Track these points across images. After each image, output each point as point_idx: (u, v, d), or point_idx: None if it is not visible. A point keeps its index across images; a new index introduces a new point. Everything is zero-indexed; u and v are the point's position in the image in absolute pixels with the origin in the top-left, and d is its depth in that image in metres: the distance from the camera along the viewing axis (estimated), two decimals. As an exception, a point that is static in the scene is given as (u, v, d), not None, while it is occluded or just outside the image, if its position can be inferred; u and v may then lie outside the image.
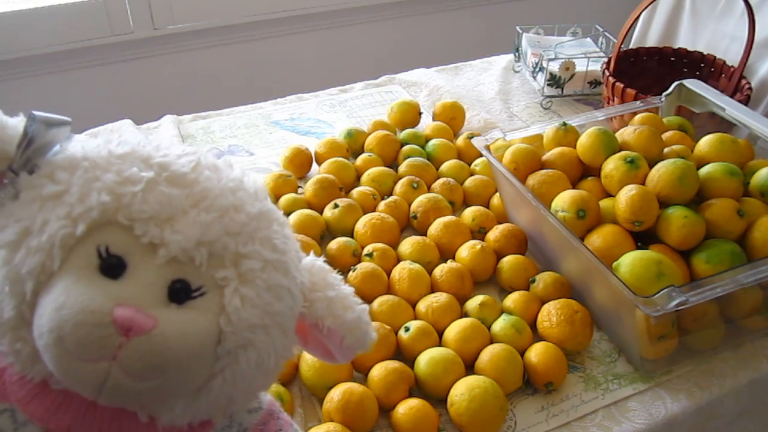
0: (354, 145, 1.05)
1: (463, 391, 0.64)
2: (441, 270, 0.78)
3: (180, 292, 0.39)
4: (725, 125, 0.92)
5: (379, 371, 0.66)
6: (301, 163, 1.00)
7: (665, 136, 0.87)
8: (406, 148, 1.02)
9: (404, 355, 0.71)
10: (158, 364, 0.37)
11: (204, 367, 0.40)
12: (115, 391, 0.38)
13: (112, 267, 0.38)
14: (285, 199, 0.91)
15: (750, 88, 1.06)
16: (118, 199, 0.39)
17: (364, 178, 0.96)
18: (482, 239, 0.85)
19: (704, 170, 0.77)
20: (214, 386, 0.41)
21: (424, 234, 0.87)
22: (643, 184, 0.75)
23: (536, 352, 0.69)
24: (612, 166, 0.77)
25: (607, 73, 1.11)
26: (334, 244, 0.83)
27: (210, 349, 0.40)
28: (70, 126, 0.41)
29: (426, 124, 1.12)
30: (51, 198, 0.39)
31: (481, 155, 0.95)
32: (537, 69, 1.26)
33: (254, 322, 0.41)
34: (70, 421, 0.41)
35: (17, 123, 0.40)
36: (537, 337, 0.73)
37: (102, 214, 0.38)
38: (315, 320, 0.47)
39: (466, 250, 0.81)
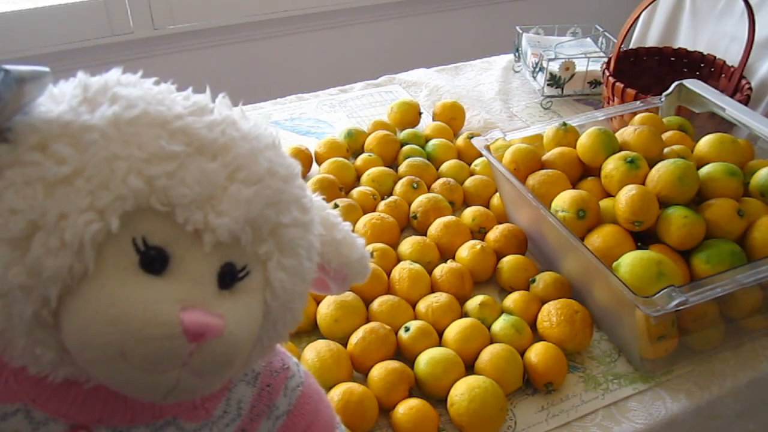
0: (354, 145, 1.05)
1: (463, 391, 0.64)
2: (441, 270, 0.78)
3: (227, 276, 0.36)
4: (725, 125, 0.92)
5: (379, 371, 0.66)
6: (301, 163, 1.00)
7: (665, 136, 0.87)
8: (406, 148, 1.02)
9: (404, 355, 0.71)
10: (229, 362, 0.35)
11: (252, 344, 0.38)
12: (182, 393, 0.35)
13: (153, 260, 0.33)
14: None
15: (750, 88, 1.06)
16: (150, 182, 0.33)
17: (364, 178, 0.96)
18: (482, 239, 0.85)
19: (704, 170, 0.77)
20: (252, 355, 0.39)
21: (424, 234, 0.87)
22: (643, 184, 0.75)
23: (536, 352, 0.69)
24: (612, 166, 0.77)
25: (607, 73, 1.11)
26: (334, 244, 0.83)
27: (259, 327, 0.38)
28: (49, 78, 0.34)
29: (426, 124, 1.12)
30: (59, 183, 0.32)
31: (481, 155, 0.95)
32: (537, 69, 1.26)
33: (297, 291, 0.39)
34: (100, 413, 0.38)
35: None
36: (537, 337, 0.73)
37: (134, 202, 0.33)
38: (322, 262, 0.45)
39: (466, 250, 0.81)
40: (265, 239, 0.37)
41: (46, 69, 0.33)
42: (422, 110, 1.15)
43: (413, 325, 0.71)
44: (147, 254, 0.33)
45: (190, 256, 0.34)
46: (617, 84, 1.06)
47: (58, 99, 0.35)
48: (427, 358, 0.67)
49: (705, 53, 1.18)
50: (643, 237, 0.74)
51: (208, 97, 0.39)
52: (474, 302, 0.75)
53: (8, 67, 0.30)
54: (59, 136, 0.33)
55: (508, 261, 0.80)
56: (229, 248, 0.35)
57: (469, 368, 0.69)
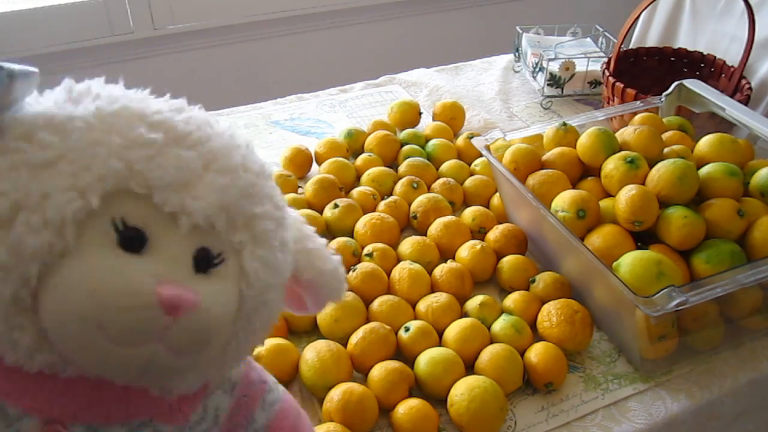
0: (354, 145, 1.05)
1: (463, 391, 0.64)
2: (441, 270, 0.78)
3: (203, 261, 0.37)
4: (725, 125, 0.92)
5: (379, 371, 0.66)
6: (301, 163, 1.00)
7: (665, 136, 0.87)
8: (406, 148, 1.02)
9: (404, 355, 0.71)
10: (204, 339, 0.36)
11: (227, 334, 0.39)
12: (158, 371, 0.36)
13: (132, 240, 0.35)
14: (285, 199, 0.91)
15: (750, 88, 1.06)
16: (129, 165, 0.35)
17: (364, 178, 0.96)
18: (482, 239, 0.85)
19: (704, 170, 0.77)
20: (228, 350, 0.40)
21: (424, 234, 0.87)
22: (643, 184, 0.75)
23: (536, 352, 0.69)
24: (612, 166, 0.77)
25: (607, 73, 1.11)
26: (334, 244, 0.83)
27: (234, 316, 0.39)
28: (37, 78, 0.36)
29: (426, 124, 1.12)
30: (42, 166, 0.33)
31: (481, 155, 0.95)
32: (537, 69, 1.26)
33: (271, 283, 0.40)
34: (75, 408, 0.38)
35: None
36: (537, 337, 0.73)
37: (114, 183, 0.35)
38: (295, 273, 0.46)
39: (466, 250, 0.81)
40: (239, 229, 0.39)
41: (35, 69, 0.35)
42: (422, 110, 1.15)
43: (413, 325, 0.71)
44: (126, 234, 0.35)
45: (167, 237, 0.36)
46: (617, 84, 1.06)
47: (44, 102, 0.37)
48: (427, 358, 0.67)
49: (705, 53, 1.18)
50: (643, 237, 0.74)
51: (185, 101, 0.41)
52: (474, 302, 0.75)
53: (1, 63, 0.32)
54: (44, 127, 0.35)
55: (508, 261, 0.80)
56: (204, 233, 0.37)
57: (469, 368, 0.69)
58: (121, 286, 0.33)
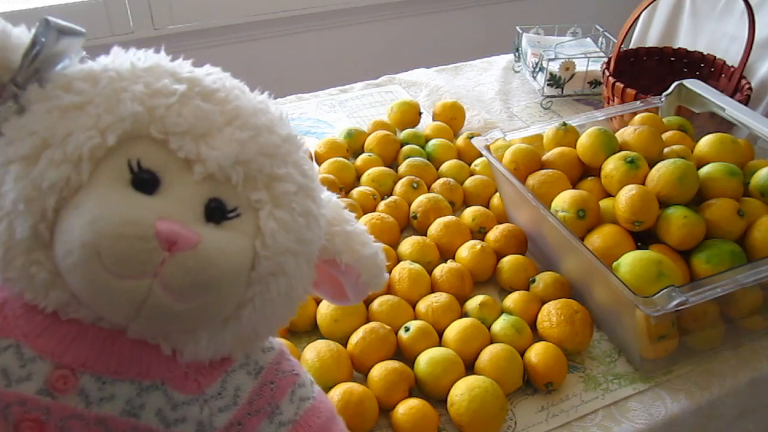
0: (354, 145, 1.05)
1: (463, 391, 0.64)
2: (441, 270, 0.78)
3: (216, 212, 0.38)
4: (725, 125, 0.92)
5: (379, 371, 0.66)
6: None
7: (665, 136, 0.87)
8: (406, 148, 1.02)
9: (404, 355, 0.71)
10: (201, 282, 0.36)
11: (238, 292, 0.39)
12: (154, 311, 0.36)
13: (145, 182, 0.36)
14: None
15: (750, 88, 1.06)
16: (151, 111, 0.37)
17: (364, 178, 0.96)
18: (482, 239, 0.85)
19: (704, 170, 0.77)
20: (243, 315, 0.40)
21: (424, 234, 0.87)
22: (643, 184, 0.75)
23: (536, 352, 0.69)
24: (612, 166, 0.77)
25: (607, 73, 1.11)
26: (334, 244, 0.83)
27: (245, 273, 0.39)
28: (83, 38, 0.38)
29: (426, 124, 1.12)
30: (72, 109, 0.36)
31: (481, 155, 0.95)
32: (537, 69, 1.26)
33: (288, 247, 0.40)
34: (85, 356, 0.39)
35: (22, 31, 0.38)
36: (537, 337, 0.73)
37: (133, 126, 0.36)
38: (333, 255, 0.46)
39: (466, 250, 0.81)
40: (259, 188, 0.39)
41: (82, 29, 0.38)
42: (422, 110, 1.15)
43: (413, 325, 0.71)
44: (140, 175, 0.36)
45: (180, 182, 0.37)
46: (617, 84, 1.06)
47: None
48: (427, 358, 0.67)
49: (705, 53, 1.18)
50: (643, 237, 0.74)
51: (220, 70, 0.43)
52: (474, 302, 0.75)
53: (49, 18, 0.36)
54: (81, 78, 0.37)
55: (508, 261, 0.80)
56: (220, 185, 0.38)
57: (469, 368, 0.69)
58: (122, 215, 0.34)
